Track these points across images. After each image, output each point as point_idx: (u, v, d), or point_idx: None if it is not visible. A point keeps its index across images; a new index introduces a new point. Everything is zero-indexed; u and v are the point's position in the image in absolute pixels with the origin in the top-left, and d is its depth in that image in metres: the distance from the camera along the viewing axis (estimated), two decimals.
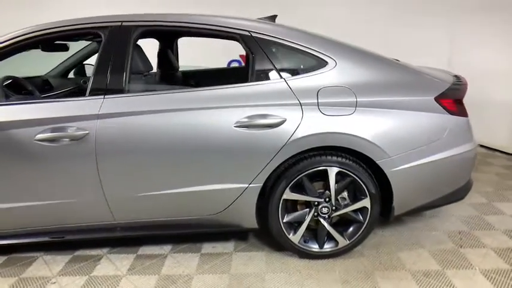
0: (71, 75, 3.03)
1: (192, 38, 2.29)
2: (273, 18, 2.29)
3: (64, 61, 2.98)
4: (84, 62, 3.05)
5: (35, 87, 2.21)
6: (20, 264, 2.03)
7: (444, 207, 2.36)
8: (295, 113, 1.76)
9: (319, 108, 1.78)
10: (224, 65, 5.25)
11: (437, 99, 1.87)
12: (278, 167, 1.81)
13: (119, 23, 1.83)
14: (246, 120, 1.75)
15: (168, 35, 2.25)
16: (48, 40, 1.89)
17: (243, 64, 5.22)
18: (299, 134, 1.75)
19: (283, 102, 1.78)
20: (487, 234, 2.22)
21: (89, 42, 2.71)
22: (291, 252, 2.04)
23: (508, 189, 2.86)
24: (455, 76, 2.12)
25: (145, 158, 1.77)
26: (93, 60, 2.97)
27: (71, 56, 2.95)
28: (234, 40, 1.91)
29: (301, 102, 1.78)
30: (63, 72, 2.94)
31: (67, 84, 2.79)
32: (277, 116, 1.76)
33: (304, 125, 1.76)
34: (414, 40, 4.10)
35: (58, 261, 2.04)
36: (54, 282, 1.86)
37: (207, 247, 2.15)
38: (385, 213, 1.97)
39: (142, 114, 1.75)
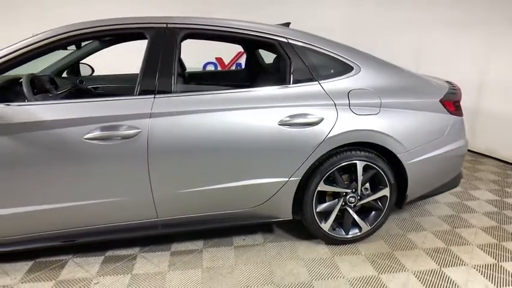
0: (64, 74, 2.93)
1: None
2: (287, 25, 2.48)
3: (60, 60, 2.87)
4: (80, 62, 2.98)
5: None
6: (50, 268, 1.96)
7: None
8: (331, 113, 1.97)
9: (350, 108, 2.00)
10: (200, 67, 5.34)
11: (441, 101, 2.20)
12: (314, 161, 1.99)
13: (164, 25, 1.89)
14: (288, 119, 1.91)
15: (211, 39, 2.32)
16: (92, 39, 1.87)
17: (219, 67, 5.36)
18: (335, 131, 1.96)
19: (320, 102, 1.97)
20: (472, 217, 2.62)
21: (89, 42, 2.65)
22: (316, 241, 2.24)
23: (476, 180, 3.35)
24: (448, 82, 2.48)
25: (194, 155, 1.84)
26: (88, 60, 2.98)
27: (67, 56, 2.85)
28: (271, 46, 2.06)
29: (335, 102, 1.98)
30: (57, 72, 2.82)
31: (65, 83, 2.70)
32: (316, 115, 1.94)
33: (339, 123, 1.97)
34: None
35: (91, 263, 2.01)
36: (97, 283, 1.85)
37: (238, 240, 2.26)
38: (397, 201, 2.25)
39: (192, 113, 1.82)
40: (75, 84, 2.80)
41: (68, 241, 1.88)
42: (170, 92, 1.83)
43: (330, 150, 2.00)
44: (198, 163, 1.87)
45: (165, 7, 4.44)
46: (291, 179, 1.99)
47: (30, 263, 2.00)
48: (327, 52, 2.08)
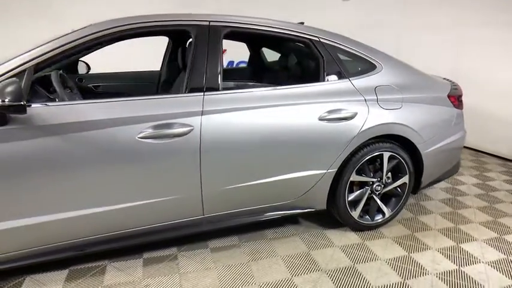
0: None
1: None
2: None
3: None
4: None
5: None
6: (90, 274, 1.88)
7: None
8: (363, 108, 2.11)
9: (378, 104, 2.16)
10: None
11: (448, 96, 2.45)
12: (348, 153, 2.13)
13: (207, 23, 1.89)
14: (326, 114, 2.02)
15: (249, 37, 2.32)
16: (136, 35, 1.81)
17: None
18: (367, 125, 2.11)
19: (352, 98, 2.11)
20: (466, 199, 2.94)
21: None
22: (343, 229, 2.38)
23: None
24: (445, 79, 2.76)
25: (242, 151, 1.88)
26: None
27: None
28: (304, 44, 2.15)
29: (365, 98, 2.13)
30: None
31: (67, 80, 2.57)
32: (350, 110, 2.08)
33: (370, 117, 2.12)
34: None
35: (131, 266, 1.96)
36: (147, 285, 1.81)
37: (270, 233, 2.32)
38: (413, 187, 2.47)
39: (240, 110, 1.85)
40: (75, 82, 2.67)
41: (112, 245, 1.82)
42: (218, 90, 1.85)
43: (361, 143, 2.14)
44: (246, 159, 1.91)
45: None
46: (328, 170, 2.10)
47: (65, 272, 1.89)
48: (353, 51, 2.23)
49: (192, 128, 1.74)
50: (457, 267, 2.03)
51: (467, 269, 2.01)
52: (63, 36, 1.65)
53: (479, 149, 4.31)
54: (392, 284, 1.87)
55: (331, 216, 2.36)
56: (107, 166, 1.64)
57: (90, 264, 1.96)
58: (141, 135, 1.66)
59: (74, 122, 1.57)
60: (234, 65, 4.95)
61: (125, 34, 1.75)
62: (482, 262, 2.08)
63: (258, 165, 1.95)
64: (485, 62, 4.01)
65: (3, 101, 1.35)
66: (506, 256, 2.14)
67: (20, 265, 1.67)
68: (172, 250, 2.12)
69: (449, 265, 2.04)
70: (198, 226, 1.98)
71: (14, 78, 1.46)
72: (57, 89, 1.79)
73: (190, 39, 1.89)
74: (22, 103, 1.37)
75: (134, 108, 1.68)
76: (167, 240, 2.14)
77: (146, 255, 2.06)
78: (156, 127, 1.69)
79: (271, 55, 2.99)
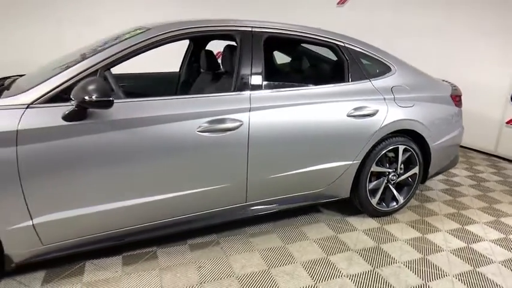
0: None
1: None
2: None
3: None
4: None
5: None
6: (144, 259, 2.02)
7: None
8: (383, 105, 2.38)
9: (395, 102, 2.43)
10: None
11: (451, 96, 2.77)
12: (371, 147, 2.38)
13: (250, 28, 2.09)
14: (353, 111, 2.27)
15: (285, 41, 2.52)
16: (189, 38, 1.98)
17: None
18: (387, 121, 2.37)
19: (373, 97, 2.37)
20: (462, 189, 3.28)
21: None
22: (361, 215, 2.63)
23: None
24: (445, 81, 3.08)
25: (283, 143, 2.09)
26: None
27: None
28: (332, 48, 2.39)
29: (384, 97, 2.40)
30: None
31: None
32: (372, 108, 2.34)
33: (389, 114, 2.39)
34: None
35: (180, 251, 2.11)
36: (200, 267, 1.98)
37: (297, 220, 2.54)
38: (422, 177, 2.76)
39: (281, 107, 2.07)
40: None
41: (165, 232, 1.97)
42: (261, 88, 2.05)
43: (381, 137, 2.40)
44: (286, 151, 2.12)
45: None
46: (354, 162, 2.35)
47: (119, 257, 2.02)
48: (372, 54, 2.50)
49: (241, 123, 1.94)
50: (466, 244, 2.32)
51: (475, 246, 2.31)
52: (128, 38, 1.81)
53: (465, 145, 4.72)
54: (416, 259, 2.13)
55: (351, 204, 2.61)
56: (170, 157, 1.80)
57: (140, 251, 2.10)
58: (199, 129, 1.84)
59: (142, 117, 1.73)
60: None
61: (181, 37, 1.93)
62: (486, 240, 2.39)
63: (296, 156, 2.17)
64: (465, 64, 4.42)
65: (90, 97, 1.50)
66: (505, 235, 2.46)
67: (79, 251, 1.79)
68: (214, 236, 2.29)
69: (459, 243, 2.33)
70: (241, 213, 2.17)
71: (94, 77, 1.61)
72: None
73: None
74: (110, 99, 1.53)
75: (194, 105, 1.85)
76: (207, 228, 2.31)
77: (190, 241, 2.23)
78: (211, 122, 1.87)
79: (280, 58, 3.23)
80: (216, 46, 3.46)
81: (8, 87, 1.87)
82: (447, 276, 1.99)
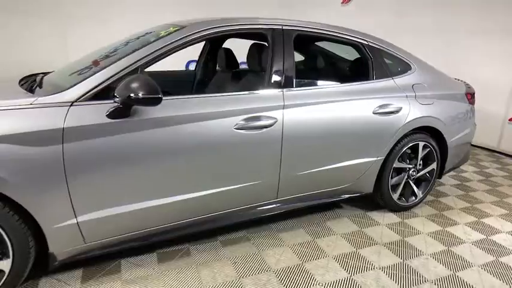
0: None
1: None
2: None
3: None
4: None
5: None
6: (178, 256, 2.03)
7: None
8: (405, 103, 2.44)
9: (416, 100, 2.50)
10: (182, 64, 5.41)
11: (465, 94, 2.85)
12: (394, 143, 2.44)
13: (280, 27, 2.12)
14: (378, 108, 2.33)
15: (312, 39, 2.55)
16: (223, 36, 2.00)
17: None
18: (409, 118, 2.44)
19: (397, 95, 2.43)
20: (472, 184, 3.38)
21: None
22: (382, 211, 2.70)
23: None
24: (457, 79, 3.17)
25: (313, 140, 2.13)
26: None
27: None
28: (357, 47, 2.44)
29: (407, 95, 2.46)
30: None
31: None
32: (396, 105, 2.39)
33: (412, 111, 2.45)
34: None
35: (212, 248, 2.13)
36: (235, 262, 2.00)
37: (321, 216, 2.58)
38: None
39: (311, 105, 2.10)
40: None
41: (198, 229, 1.99)
42: (292, 86, 2.08)
43: (404, 134, 2.46)
44: (316, 147, 2.16)
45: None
46: (378, 158, 2.41)
47: (154, 255, 2.03)
48: (393, 53, 2.56)
49: (276, 120, 1.97)
50: (485, 236, 2.41)
51: (494, 238, 2.39)
52: (165, 36, 1.81)
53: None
54: (441, 251, 2.20)
55: (370, 199, 2.67)
56: (209, 155, 1.82)
57: (173, 248, 2.11)
58: (236, 126, 1.86)
59: (184, 114, 1.74)
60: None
61: (215, 35, 1.94)
62: (503, 232, 2.48)
63: (325, 153, 2.21)
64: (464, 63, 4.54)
65: (137, 94, 1.51)
66: None
67: (119, 249, 1.80)
68: (243, 233, 2.31)
69: (478, 235, 2.42)
70: (271, 209, 2.20)
71: (138, 74, 1.62)
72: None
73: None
74: (160, 96, 1.54)
75: (232, 102, 1.87)
76: (236, 224, 2.33)
77: (220, 238, 2.25)
78: (247, 119, 1.89)
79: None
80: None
81: (40, 85, 1.85)
82: (473, 267, 2.06)
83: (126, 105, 1.58)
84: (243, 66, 2.85)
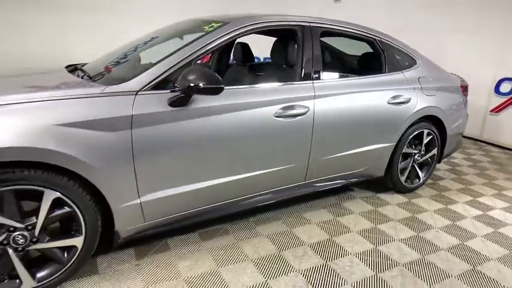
0: None
1: None
2: None
3: None
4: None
5: None
6: (218, 235, 2.21)
7: None
8: (413, 94, 2.71)
9: (422, 91, 2.78)
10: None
11: (460, 86, 3.17)
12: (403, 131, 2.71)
13: (308, 24, 2.32)
14: (391, 99, 2.58)
15: (333, 35, 2.73)
16: (260, 32, 2.16)
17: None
18: (417, 107, 2.71)
19: (406, 87, 2.69)
20: (463, 169, 3.74)
21: None
22: (389, 192, 2.97)
23: None
24: (451, 73, 3.49)
25: (338, 127, 2.34)
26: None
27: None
28: (371, 43, 2.68)
29: (414, 87, 2.73)
30: None
31: None
32: (406, 96, 2.66)
33: (419, 102, 2.72)
34: None
35: (248, 227, 2.32)
36: (273, 239, 2.20)
37: (337, 198, 2.82)
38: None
39: (336, 95, 2.32)
40: None
41: (235, 209, 2.17)
42: (320, 78, 2.29)
43: (412, 122, 2.74)
44: (341, 134, 2.38)
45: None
46: (390, 144, 2.67)
47: (195, 234, 2.20)
48: (401, 48, 2.82)
49: (308, 109, 2.17)
50: (482, 212, 2.74)
51: (490, 213, 2.72)
52: (211, 32, 1.96)
53: None
54: (447, 225, 2.50)
55: (381, 182, 2.93)
56: (254, 140, 2.00)
57: (212, 227, 2.28)
58: (276, 114, 2.05)
59: (236, 103, 1.90)
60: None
61: (255, 31, 2.11)
62: (497, 208, 2.82)
63: (347, 139, 2.44)
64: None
65: (196, 85, 1.66)
66: (510, 204, 2.91)
67: (172, 227, 1.95)
68: (271, 213, 2.51)
69: (476, 211, 2.74)
70: (298, 190, 2.41)
71: (196, 66, 1.77)
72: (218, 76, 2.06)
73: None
74: (222, 86, 1.70)
75: (272, 93, 2.06)
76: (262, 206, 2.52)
77: (252, 218, 2.43)
78: (284, 108, 2.08)
79: None
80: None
81: (91, 76, 1.95)
82: (477, 237, 2.37)
83: (187, 95, 1.73)
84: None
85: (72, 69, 2.24)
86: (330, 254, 2.07)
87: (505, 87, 4.56)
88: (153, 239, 2.10)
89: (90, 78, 1.89)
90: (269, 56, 2.52)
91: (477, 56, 4.74)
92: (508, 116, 4.58)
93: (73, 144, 1.50)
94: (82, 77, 1.92)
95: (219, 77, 1.71)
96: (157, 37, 2.44)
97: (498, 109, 4.67)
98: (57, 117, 1.49)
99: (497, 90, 4.63)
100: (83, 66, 2.32)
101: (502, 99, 4.60)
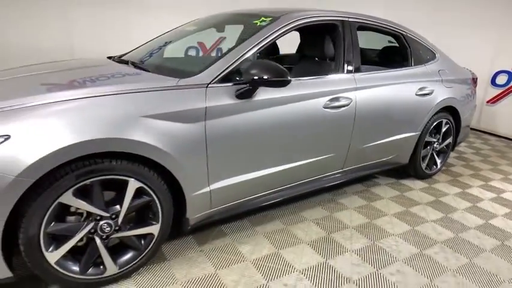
0: None
1: None
2: None
3: None
4: None
5: None
6: (267, 220, 2.32)
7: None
8: (436, 86, 2.90)
9: (442, 83, 2.97)
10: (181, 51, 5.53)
11: (471, 78, 3.40)
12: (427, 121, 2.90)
13: (347, 18, 2.44)
14: (418, 91, 2.75)
15: (367, 29, 2.84)
16: (307, 27, 2.26)
17: (201, 51, 5.64)
18: (439, 99, 2.90)
19: (429, 79, 2.88)
20: (468, 156, 4.01)
21: None
22: (410, 179, 3.17)
23: None
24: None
25: (375, 117, 2.49)
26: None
27: None
28: (397, 37, 2.83)
29: (436, 79, 2.92)
30: None
31: None
32: (429, 88, 2.84)
33: (440, 93, 2.92)
34: None
35: (294, 212, 2.44)
36: (318, 223, 2.34)
37: (365, 186, 3.00)
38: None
39: (373, 87, 2.46)
40: None
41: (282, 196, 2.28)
42: (359, 71, 2.43)
43: (435, 112, 2.93)
44: (377, 123, 2.53)
45: None
46: (416, 133, 2.85)
47: (245, 221, 2.30)
48: (423, 43, 2.99)
49: (351, 100, 2.30)
50: (496, 195, 2.98)
51: (504, 195, 2.98)
52: (265, 27, 2.05)
53: None
54: (469, 207, 2.72)
55: (404, 170, 3.12)
56: (306, 130, 2.11)
57: (259, 214, 2.39)
58: (324, 105, 2.17)
59: (295, 94, 2.01)
60: None
61: (304, 26, 2.20)
62: (508, 191, 3.08)
63: (382, 129, 2.60)
64: None
65: (260, 78, 1.75)
66: None
67: (233, 214, 2.05)
68: (312, 200, 2.64)
69: (491, 194, 2.99)
70: (336, 178, 2.55)
71: (265, 59, 1.85)
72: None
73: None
74: (289, 78, 1.80)
75: (321, 85, 2.17)
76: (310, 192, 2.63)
77: (297, 204, 2.56)
78: (331, 100, 2.21)
79: None
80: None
81: (146, 68, 2.00)
82: (498, 216, 2.60)
83: (254, 87, 1.82)
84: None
85: (120, 61, 2.28)
86: (375, 235, 2.23)
87: (501, 79, 4.87)
88: (209, 226, 2.19)
89: (144, 69, 1.96)
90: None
91: (475, 49, 5.01)
92: (503, 107, 4.90)
93: (156, 135, 1.57)
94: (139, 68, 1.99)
95: (285, 70, 1.81)
96: (195, 30, 2.51)
97: (494, 100, 4.98)
98: (142, 109, 1.55)
99: (493, 82, 4.93)
100: (122, 57, 2.38)
101: (498, 91, 4.91)
